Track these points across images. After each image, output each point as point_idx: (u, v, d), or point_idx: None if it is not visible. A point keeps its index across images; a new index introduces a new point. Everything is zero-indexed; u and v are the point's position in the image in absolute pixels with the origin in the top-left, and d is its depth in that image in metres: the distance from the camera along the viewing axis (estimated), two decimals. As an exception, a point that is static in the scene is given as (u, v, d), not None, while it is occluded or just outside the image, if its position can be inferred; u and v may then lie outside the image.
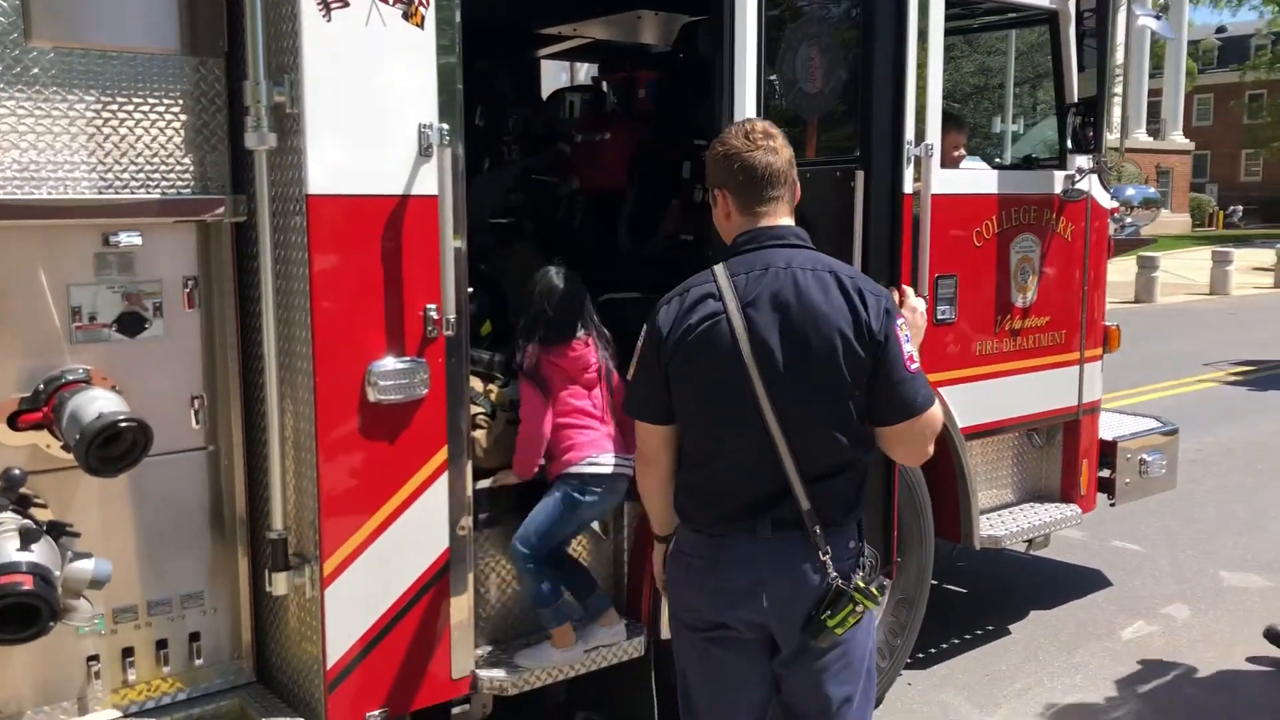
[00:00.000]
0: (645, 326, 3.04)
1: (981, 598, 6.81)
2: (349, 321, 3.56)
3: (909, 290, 3.29)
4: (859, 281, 2.93)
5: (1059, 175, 5.71)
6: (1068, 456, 6.12)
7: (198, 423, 3.73)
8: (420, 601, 3.78)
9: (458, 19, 3.69)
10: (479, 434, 4.09)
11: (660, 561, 3.29)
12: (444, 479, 3.79)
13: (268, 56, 3.46)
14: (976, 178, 5.46)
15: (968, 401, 5.43)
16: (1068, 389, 5.97)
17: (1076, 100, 5.65)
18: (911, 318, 3.19)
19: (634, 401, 3.13)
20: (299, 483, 3.65)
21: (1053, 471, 6.19)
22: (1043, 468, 6.19)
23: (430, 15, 3.62)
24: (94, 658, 3.58)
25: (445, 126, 3.63)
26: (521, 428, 4.18)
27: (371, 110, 3.54)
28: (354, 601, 3.63)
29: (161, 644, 3.70)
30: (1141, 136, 47.70)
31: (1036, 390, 5.80)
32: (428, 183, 3.63)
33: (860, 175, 3.33)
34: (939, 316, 5.22)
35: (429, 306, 3.68)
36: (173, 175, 3.58)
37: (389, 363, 3.63)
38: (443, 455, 3.78)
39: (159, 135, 3.54)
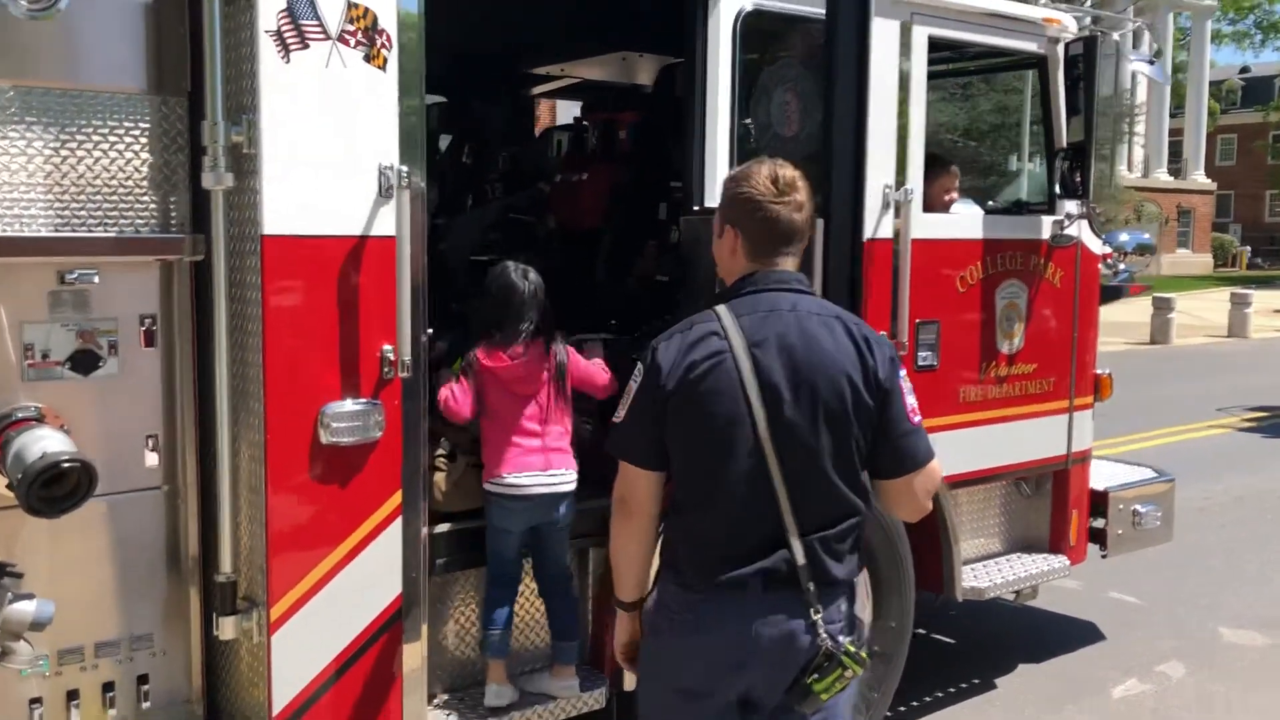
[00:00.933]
0: (641, 365, 2.89)
1: (969, 648, 6.69)
2: (302, 362, 3.54)
3: None
4: (865, 329, 2.87)
5: (1047, 220, 5.65)
6: (1057, 506, 6.02)
7: (152, 462, 3.70)
8: (372, 648, 3.72)
9: (421, 61, 3.68)
10: (438, 477, 4.05)
11: (626, 634, 3.10)
12: (398, 523, 3.74)
13: (226, 97, 3.46)
14: (960, 222, 5.40)
15: (951, 449, 5.29)
16: (1057, 437, 5.88)
17: (1065, 145, 5.59)
18: None
19: (624, 444, 2.92)
20: (249, 525, 3.62)
21: (1041, 521, 6.08)
22: (1031, 517, 6.08)
23: (393, 57, 3.61)
24: (37, 700, 3.53)
25: (405, 168, 3.60)
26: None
27: (330, 151, 3.53)
28: (302, 647, 3.58)
29: (108, 687, 3.65)
30: (1163, 176, 47.59)
31: (1024, 438, 5.71)
32: (386, 224, 3.61)
33: (820, 223, 3.27)
34: (920, 363, 5.16)
35: (385, 348, 3.65)
36: (131, 213, 3.57)
37: (343, 404, 3.60)
38: (397, 499, 3.74)
39: (119, 173, 3.53)
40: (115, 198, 3.54)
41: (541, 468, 4.12)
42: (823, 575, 2.80)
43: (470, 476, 4.14)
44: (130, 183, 3.56)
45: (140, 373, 3.64)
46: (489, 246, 5.59)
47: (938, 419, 5.24)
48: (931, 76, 6.32)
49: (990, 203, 6.56)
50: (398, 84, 3.63)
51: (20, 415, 3.41)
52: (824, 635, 2.78)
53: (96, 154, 3.48)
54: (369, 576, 3.70)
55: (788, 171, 2.88)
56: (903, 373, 2.87)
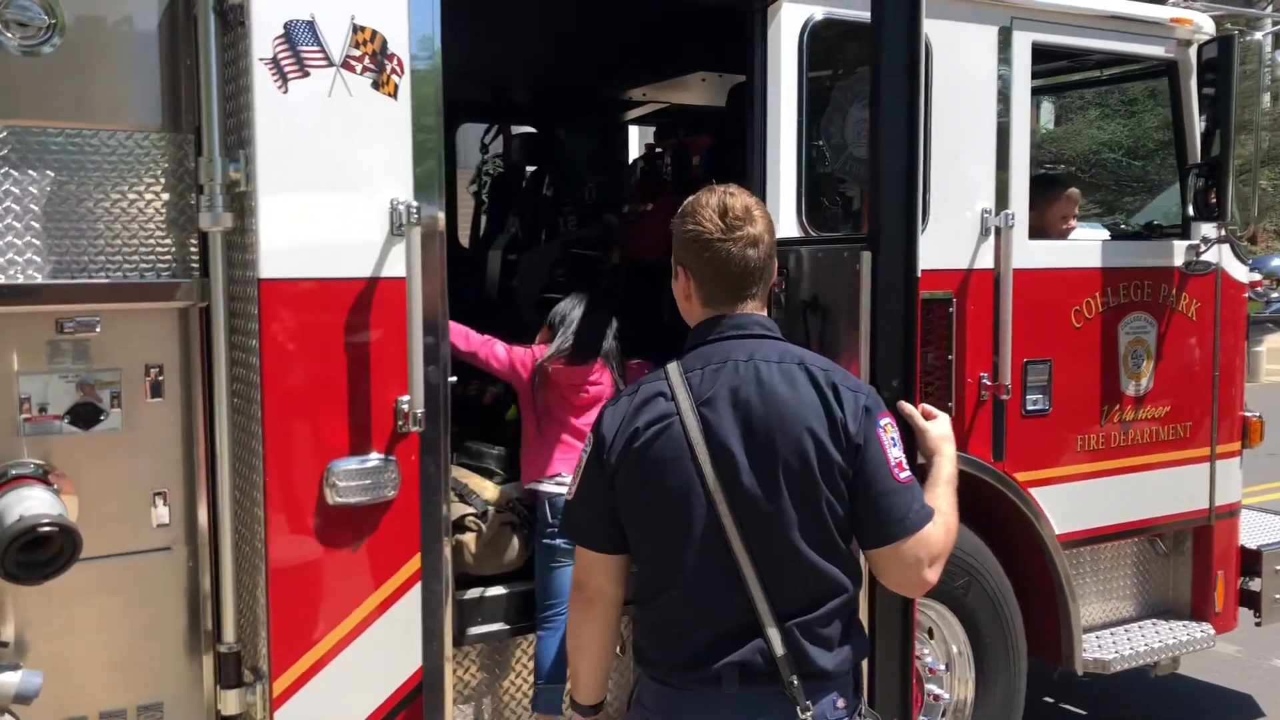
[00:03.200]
0: (590, 435, 2.60)
1: (1104, 723, 5.99)
2: (306, 416, 3.26)
3: (929, 408, 2.76)
4: (833, 375, 2.44)
5: (1180, 245, 5.00)
6: (1199, 567, 5.32)
7: (160, 521, 3.47)
8: (388, 727, 3.40)
9: (438, 85, 3.39)
10: (467, 538, 3.72)
11: None
12: (417, 590, 3.42)
13: (225, 131, 3.23)
14: (1074, 249, 4.82)
15: (1068, 504, 4.74)
16: (1197, 489, 5.18)
17: (1199, 161, 4.94)
18: (928, 438, 2.71)
19: (574, 525, 2.62)
20: (252, 591, 3.35)
21: (1181, 584, 5.38)
22: (1169, 579, 5.39)
23: (404, 83, 3.33)
24: (33, 775, 3.32)
25: (417, 203, 3.30)
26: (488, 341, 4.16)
27: (335, 187, 3.26)
28: (307, 726, 3.29)
29: (114, 759, 3.43)
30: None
31: (1156, 490, 5.05)
32: (397, 263, 3.31)
33: (866, 256, 2.82)
34: (1029, 407, 4.60)
35: (400, 399, 3.34)
36: (136, 257, 3.36)
37: (351, 462, 3.30)
38: (415, 564, 3.42)
39: (122, 215, 3.33)
40: (119, 241, 3.33)
41: None
42: (808, 667, 2.38)
43: (504, 536, 3.80)
44: (135, 225, 3.34)
45: (146, 426, 3.41)
46: (555, 285, 5.27)
47: (1051, 470, 4.72)
48: (1043, 90, 5.79)
49: (1122, 225, 5.92)
50: (411, 111, 3.34)
51: (15, 473, 3.23)
52: None
53: (98, 195, 3.29)
54: (384, 648, 3.39)
55: (739, 201, 2.48)
56: (884, 421, 2.42)
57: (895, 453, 2.41)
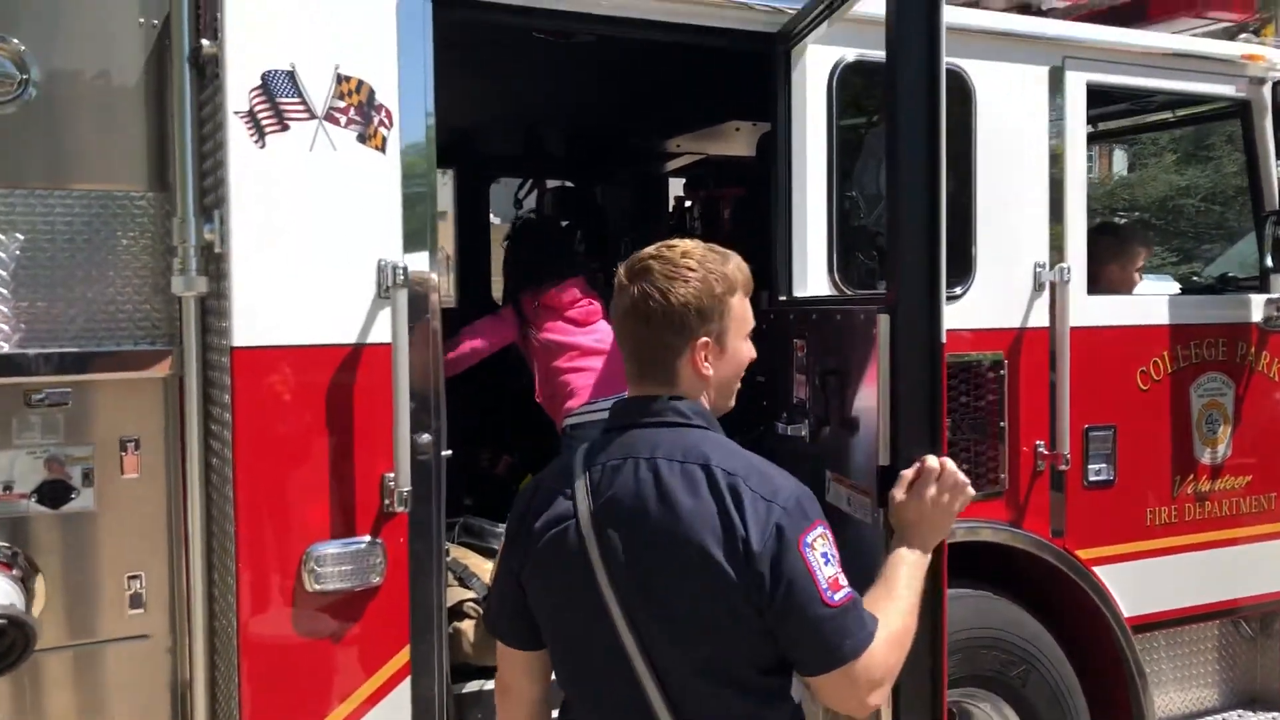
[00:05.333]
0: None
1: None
2: (283, 494, 3.01)
3: (937, 460, 2.33)
4: (744, 479, 2.01)
5: (1258, 300, 4.58)
6: (1290, 651, 4.83)
7: (133, 607, 3.23)
8: (373, 838, 3.10)
9: (430, 138, 3.15)
10: (465, 625, 3.42)
11: None
12: (405, 685, 3.13)
13: (201, 190, 3.02)
14: (1138, 306, 4.43)
15: (1139, 584, 4.31)
16: (1284, 566, 4.71)
17: (1278, 208, 4.54)
18: (925, 505, 2.30)
19: (488, 612, 2.36)
20: (226, 685, 3.08)
21: (1271, 669, 4.88)
22: (1256, 665, 4.89)
23: (393, 136, 3.09)
24: None
25: (405, 263, 3.05)
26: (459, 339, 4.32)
27: (317, 247, 3.03)
28: (281, 837, 3.00)
29: None
30: None
31: (1239, 568, 4.59)
32: (383, 329, 3.06)
33: (884, 319, 2.50)
34: (1092, 478, 4.19)
35: (387, 476, 3.07)
36: (112, 325, 3.16)
37: (333, 545, 3.04)
38: (404, 657, 3.13)
39: (99, 279, 3.14)
40: (94, 308, 3.14)
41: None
42: None
43: (506, 624, 3.48)
44: (111, 290, 3.15)
45: (120, 504, 3.20)
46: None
47: (1119, 546, 4.29)
48: (1110, 134, 5.43)
49: (1194, 278, 5.50)
50: (400, 166, 3.10)
51: (-23, 556, 3.02)
52: None
53: (73, 258, 3.10)
54: (370, 750, 3.10)
55: (647, 252, 2.11)
56: (812, 535, 1.99)
57: (827, 571, 1.99)
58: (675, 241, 2.15)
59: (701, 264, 2.09)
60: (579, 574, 2.05)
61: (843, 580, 2.01)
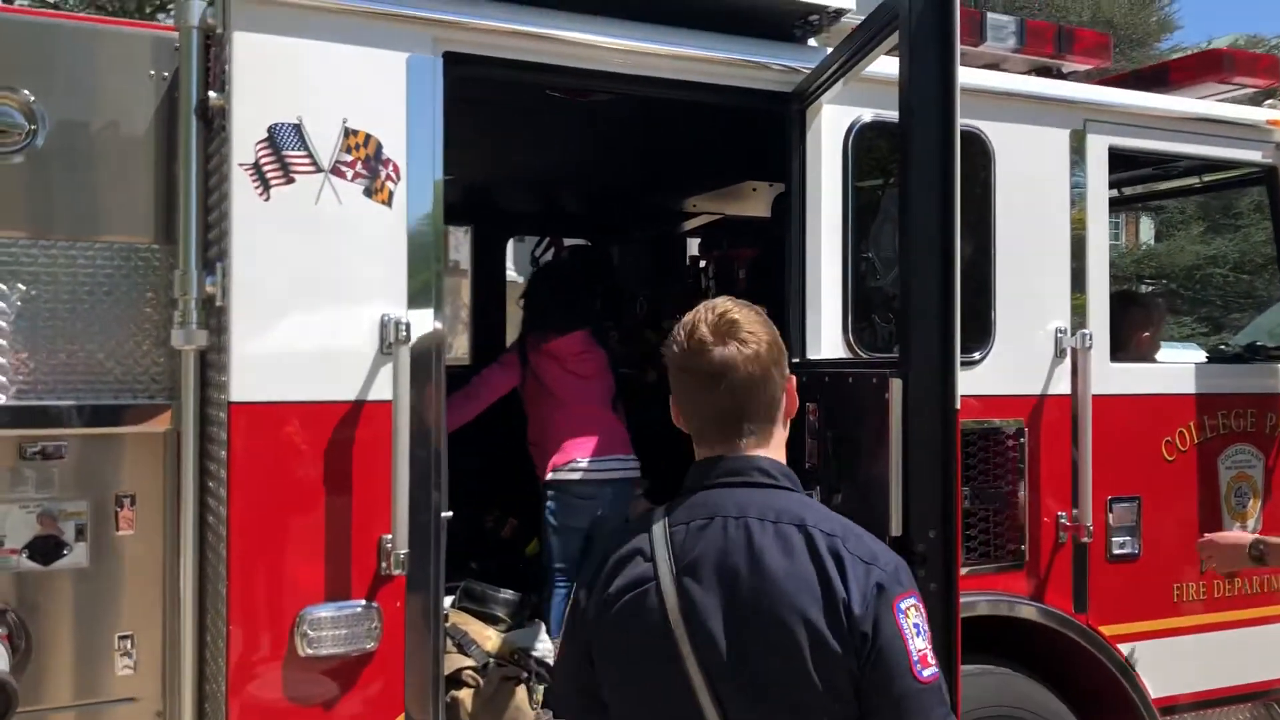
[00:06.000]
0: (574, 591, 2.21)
1: None
2: (277, 554, 2.93)
3: None
4: (842, 541, 1.96)
5: (1288, 369, 4.46)
6: (1327, 736, 4.63)
7: (124, 669, 3.14)
8: None
9: (438, 193, 3.11)
10: (464, 694, 3.31)
11: None
12: (399, 755, 3.02)
13: (202, 242, 2.98)
14: (1163, 374, 4.31)
15: (1167, 663, 4.15)
16: (1322, 646, 4.53)
17: (1307, 275, 4.45)
18: None
19: (553, 693, 2.26)
20: (214, 753, 2.98)
21: (1306, 755, 4.68)
22: (1291, 749, 4.70)
23: (400, 191, 3.05)
24: None
25: (408, 319, 2.99)
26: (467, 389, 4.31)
27: (320, 301, 2.98)
28: None
29: None
30: None
31: (1271, 648, 4.42)
32: (384, 386, 2.99)
33: (896, 384, 2.41)
34: (1116, 551, 4.05)
35: (385, 538, 2.99)
36: (112, 378, 3.11)
37: (327, 609, 2.95)
38: (399, 725, 3.02)
39: (99, 333, 3.10)
40: (95, 360, 3.09)
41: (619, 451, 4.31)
42: None
43: (505, 693, 3.38)
44: (113, 343, 3.11)
45: (114, 562, 3.13)
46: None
47: (1144, 623, 4.13)
48: (1127, 201, 5.36)
49: (1221, 346, 5.38)
50: (407, 221, 3.06)
51: (-32, 613, 2.95)
52: None
53: (77, 309, 3.07)
54: (361, 823, 2.98)
55: (715, 315, 2.05)
56: (906, 603, 1.93)
57: (918, 644, 1.92)
58: (716, 302, 2.09)
59: (758, 316, 2.10)
60: (660, 644, 1.94)
61: (931, 657, 1.93)
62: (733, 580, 1.94)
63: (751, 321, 2.06)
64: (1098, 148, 4.07)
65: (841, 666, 1.89)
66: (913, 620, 1.93)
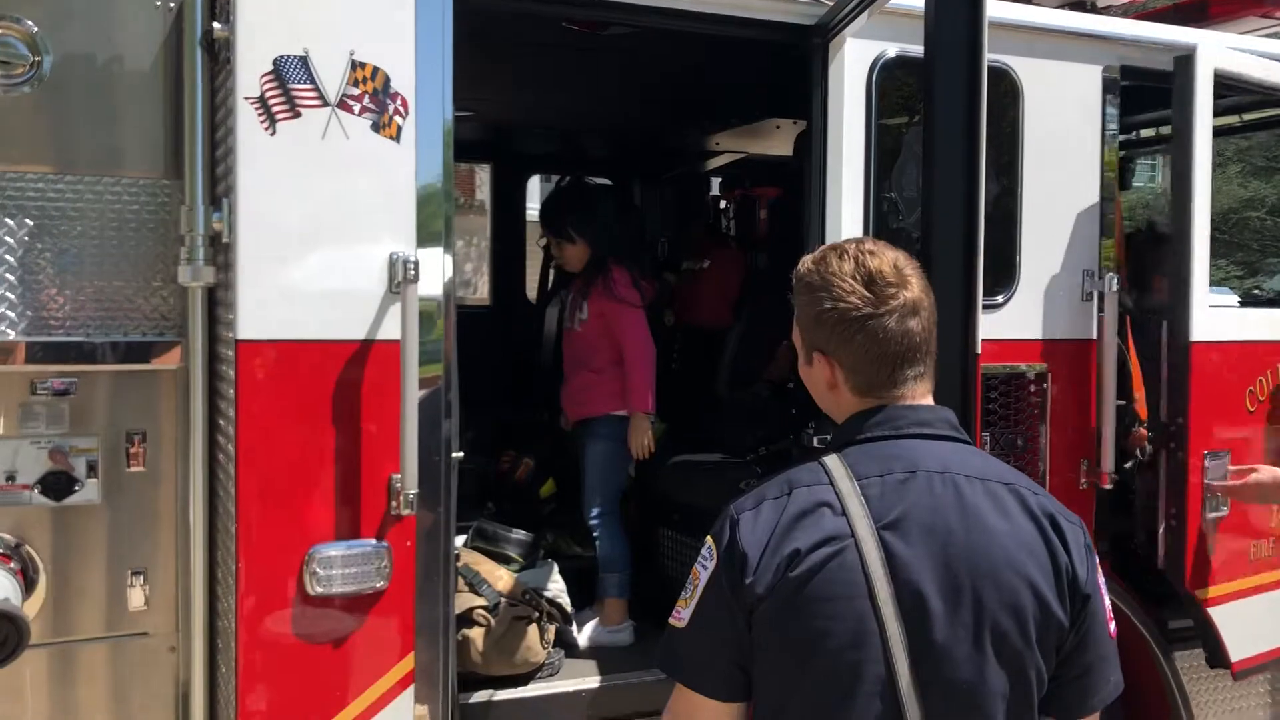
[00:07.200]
0: (712, 545, 1.97)
1: None
2: (285, 494, 2.91)
3: None
4: (1048, 502, 1.94)
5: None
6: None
7: (137, 603, 3.15)
8: None
9: (448, 128, 3.04)
10: (474, 633, 3.31)
11: None
12: (408, 695, 3.02)
13: (209, 177, 2.94)
14: (1248, 318, 4.16)
15: (1244, 623, 4.04)
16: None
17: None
18: None
19: (686, 664, 1.98)
20: (226, 687, 2.99)
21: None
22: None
23: (409, 125, 2.98)
24: None
25: (416, 258, 2.95)
26: (639, 359, 4.11)
27: (327, 238, 2.93)
28: None
29: None
30: None
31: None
32: (393, 325, 2.95)
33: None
34: (1209, 515, 3.93)
35: (394, 477, 2.97)
36: (121, 314, 3.08)
37: (336, 547, 2.93)
38: (408, 664, 3.02)
39: (109, 268, 3.06)
40: (104, 296, 3.06)
41: None
42: None
43: (516, 633, 3.37)
44: (122, 279, 3.08)
45: (125, 498, 3.12)
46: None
47: (1229, 584, 4.01)
48: (1163, 141, 5.23)
49: (1255, 291, 5.26)
50: (415, 156, 3.00)
51: (-22, 547, 2.96)
52: None
53: (85, 245, 3.03)
54: (369, 760, 2.99)
55: (884, 261, 1.96)
56: (1097, 560, 1.96)
57: (1108, 601, 1.95)
58: (861, 245, 2.02)
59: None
60: (855, 606, 1.84)
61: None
62: (945, 540, 1.87)
63: (912, 262, 2.03)
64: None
65: (1056, 627, 1.87)
66: (1102, 577, 1.95)
